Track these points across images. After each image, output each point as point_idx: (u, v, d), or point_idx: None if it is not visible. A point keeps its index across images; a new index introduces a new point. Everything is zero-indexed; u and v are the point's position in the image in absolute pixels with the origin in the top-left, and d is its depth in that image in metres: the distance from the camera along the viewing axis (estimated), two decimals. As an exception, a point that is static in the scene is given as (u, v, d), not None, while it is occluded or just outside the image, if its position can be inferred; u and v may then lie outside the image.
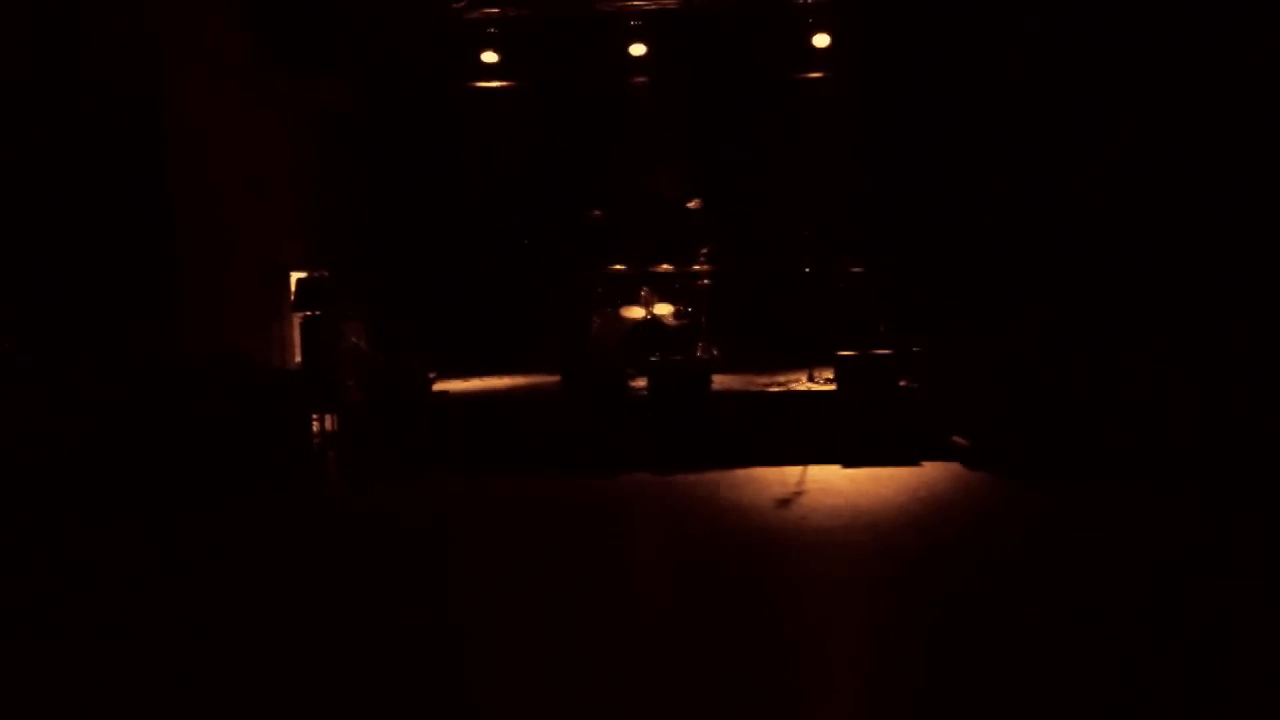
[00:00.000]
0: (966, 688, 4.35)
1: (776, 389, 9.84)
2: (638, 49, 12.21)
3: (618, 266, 11.57)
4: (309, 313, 10.23)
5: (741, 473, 8.66)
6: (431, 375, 10.03)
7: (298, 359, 10.56)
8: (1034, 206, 9.85)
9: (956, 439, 8.99)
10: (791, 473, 8.58)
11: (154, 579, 6.34)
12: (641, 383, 9.74)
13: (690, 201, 11.80)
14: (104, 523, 7.68)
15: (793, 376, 10.31)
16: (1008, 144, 10.24)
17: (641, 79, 12.58)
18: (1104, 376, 8.62)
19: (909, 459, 8.83)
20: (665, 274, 11.53)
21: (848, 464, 8.78)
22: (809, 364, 10.29)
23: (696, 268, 11.49)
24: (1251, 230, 8.18)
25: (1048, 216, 9.71)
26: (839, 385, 9.34)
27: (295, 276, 10.52)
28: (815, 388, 9.80)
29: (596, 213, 11.85)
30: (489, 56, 12.27)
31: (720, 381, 9.99)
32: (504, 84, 12.58)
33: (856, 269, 10.88)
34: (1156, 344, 8.45)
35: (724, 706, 4.26)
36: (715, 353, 11.26)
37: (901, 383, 9.29)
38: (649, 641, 5.07)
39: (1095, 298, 9.10)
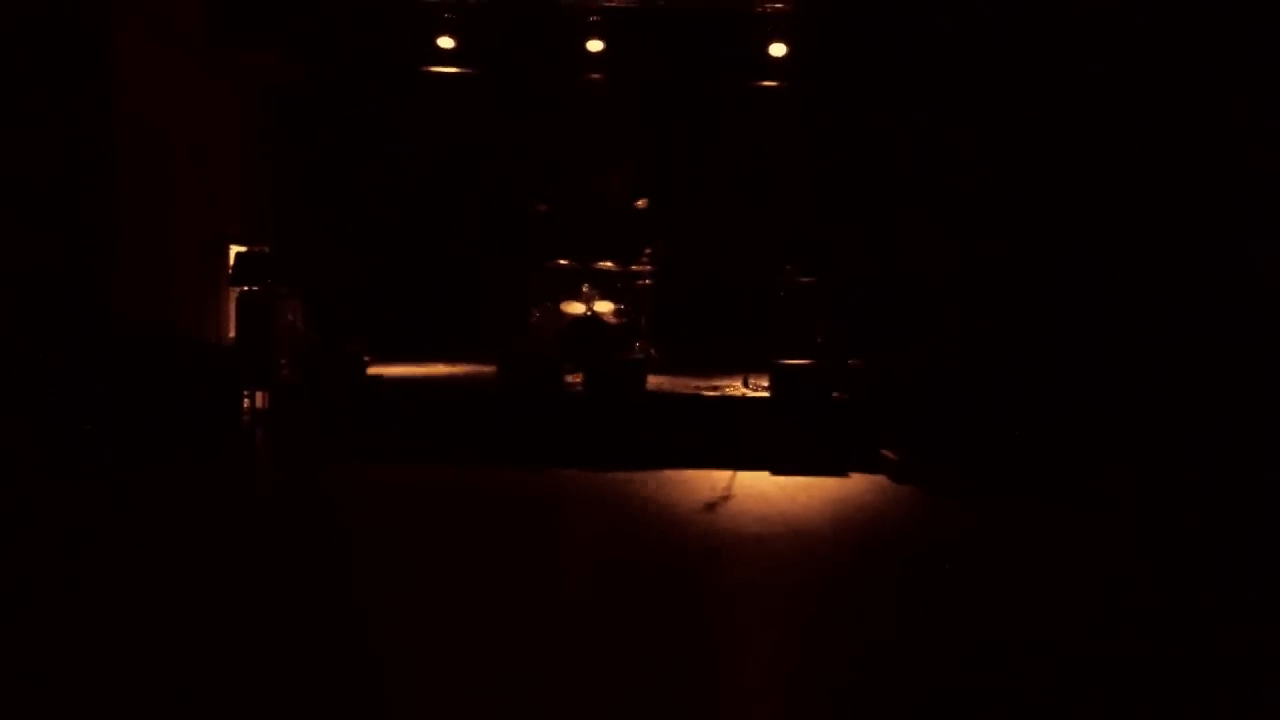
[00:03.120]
0: (872, 698, 4.40)
1: (711, 393, 9.88)
2: (595, 45, 12.19)
3: (561, 261, 11.56)
4: (246, 288, 10.12)
5: (671, 474, 8.69)
6: (366, 359, 9.96)
7: (232, 334, 10.45)
8: (979, 222, 9.97)
9: (885, 452, 9.07)
10: (721, 477, 8.62)
11: (69, 552, 6.25)
12: (577, 379, 9.73)
13: (637, 201, 11.82)
14: (27, 493, 7.55)
15: (728, 381, 10.35)
16: (957, 158, 10.36)
17: (597, 75, 12.57)
18: (1035, 392, 8.75)
19: (838, 470, 8.91)
20: (608, 272, 11.53)
21: (777, 471, 8.83)
22: (745, 370, 10.33)
23: (639, 267, 11.51)
24: (1194, 238, 8.28)
25: (991, 232, 9.84)
26: (773, 393, 9.40)
27: (235, 250, 10.41)
28: (750, 394, 9.85)
29: (542, 206, 11.83)
30: (445, 42, 12.20)
31: (656, 382, 10.01)
32: (458, 70, 12.52)
33: (799, 279, 10.94)
34: (1087, 358, 8.58)
35: (628, 704, 4.27)
36: (653, 353, 11.29)
37: (835, 394, 9.36)
38: (561, 637, 5.07)
39: (1030, 314, 9.23)
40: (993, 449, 8.66)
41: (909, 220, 11.11)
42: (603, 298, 11.44)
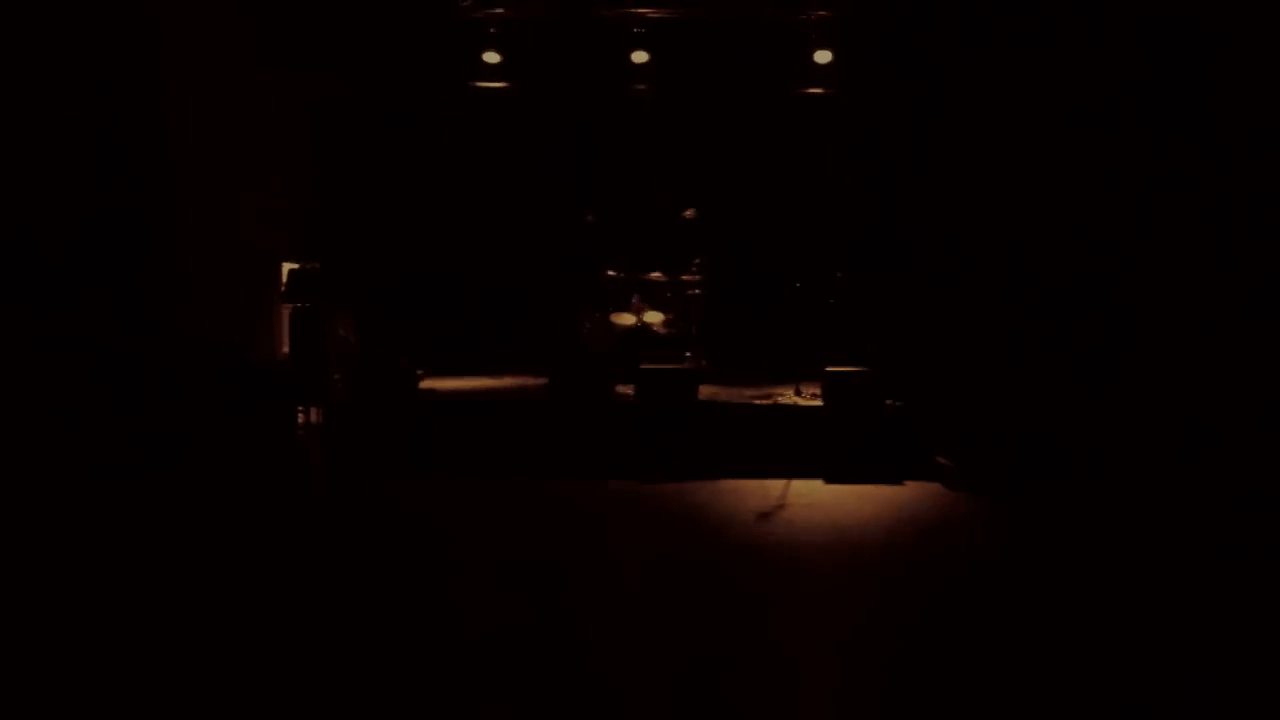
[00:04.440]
0: (927, 711, 4.36)
1: (763, 401, 9.84)
2: (640, 56, 12.21)
3: (610, 272, 11.57)
4: (299, 304, 10.20)
5: (725, 484, 8.65)
6: (419, 372, 10.01)
7: (286, 350, 10.54)
8: (1028, 225, 9.87)
9: (940, 459, 9.00)
10: (774, 486, 8.58)
11: (130, 568, 6.31)
12: (629, 390, 9.73)
13: (685, 211, 11.81)
14: (84, 509, 7.64)
15: (780, 390, 10.31)
16: (1004, 163, 10.26)
17: (642, 86, 12.59)
18: (1087, 399, 8.64)
19: (892, 477, 8.84)
20: (657, 282, 11.53)
21: (831, 479, 8.79)
22: (797, 378, 10.30)
23: (688, 277, 11.50)
24: (1235, 233, 8.16)
25: (1043, 234, 9.73)
26: (826, 401, 9.35)
27: (287, 267, 10.50)
28: (802, 402, 9.80)
29: (590, 217, 11.85)
30: (491, 57, 12.27)
31: (707, 392, 9.98)
32: (504, 85, 12.58)
33: (849, 285, 10.88)
34: (1137, 360, 8.47)
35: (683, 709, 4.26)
36: (704, 363, 11.26)
37: (888, 401, 9.30)
38: (621, 648, 5.06)
39: (1084, 316, 9.12)
40: (1046, 455, 8.57)
41: (959, 225, 11.01)
42: (652, 308, 11.44)
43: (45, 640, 5.02)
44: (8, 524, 7.08)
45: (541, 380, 10.10)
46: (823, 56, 12.04)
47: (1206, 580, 6.15)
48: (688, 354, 11.27)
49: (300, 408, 9.82)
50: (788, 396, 10.03)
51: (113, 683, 4.50)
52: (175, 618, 5.35)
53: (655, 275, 11.53)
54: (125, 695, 4.38)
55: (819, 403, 9.49)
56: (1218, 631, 5.26)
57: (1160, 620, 5.44)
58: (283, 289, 10.42)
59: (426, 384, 10.24)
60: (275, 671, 4.66)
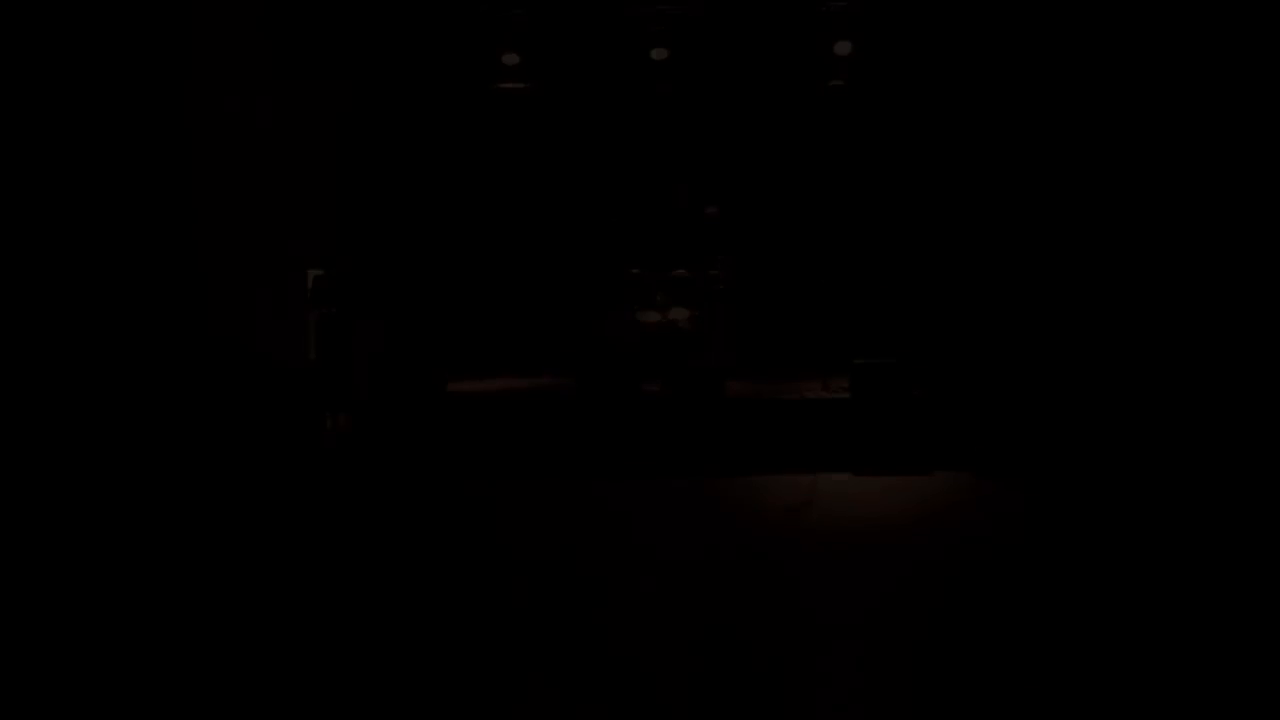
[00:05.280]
0: (962, 703, 4.32)
1: (791, 396, 9.80)
2: (660, 53, 12.18)
3: (634, 270, 11.54)
4: (324, 310, 10.23)
5: (754, 479, 8.62)
6: (445, 375, 10.02)
7: (312, 356, 10.56)
8: (1051, 213, 9.81)
9: (970, 449, 8.92)
10: (803, 480, 8.54)
11: (154, 573, 6.34)
12: (656, 387, 9.71)
13: (709, 207, 11.77)
14: (116, 516, 7.69)
15: (807, 384, 10.27)
16: (1026, 152, 10.20)
17: (663, 82, 12.55)
18: (1118, 387, 8.58)
19: (921, 468, 8.78)
20: (682, 279, 11.48)
21: (860, 472, 8.74)
22: (824, 372, 10.24)
23: (713, 273, 11.46)
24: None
25: (1064, 222, 9.68)
26: (853, 393, 9.29)
27: (312, 273, 10.53)
28: (829, 395, 9.75)
29: (614, 216, 11.83)
30: (510, 58, 12.27)
31: (734, 387, 9.96)
32: (525, 85, 12.58)
33: (874, 278, 10.83)
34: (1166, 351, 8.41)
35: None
36: (730, 358, 11.22)
37: (915, 392, 9.24)
38: (652, 645, 5.04)
39: (1114, 304, 9.06)
40: (1075, 444, 8.51)
41: (987, 217, 10.96)
42: (678, 305, 11.40)
43: (62, 641, 5.05)
44: (34, 529, 7.14)
45: (568, 380, 10.09)
46: (843, 47, 11.97)
47: (1239, 569, 6.09)
48: (714, 350, 11.22)
49: (328, 413, 9.85)
50: (815, 390, 9.98)
51: (131, 684, 4.52)
52: (197, 622, 5.37)
53: (680, 272, 11.50)
54: (142, 696, 4.40)
55: (847, 395, 9.44)
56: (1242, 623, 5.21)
57: (1193, 609, 5.38)
58: (308, 295, 10.45)
59: (453, 387, 10.25)
60: (299, 674, 4.66)
